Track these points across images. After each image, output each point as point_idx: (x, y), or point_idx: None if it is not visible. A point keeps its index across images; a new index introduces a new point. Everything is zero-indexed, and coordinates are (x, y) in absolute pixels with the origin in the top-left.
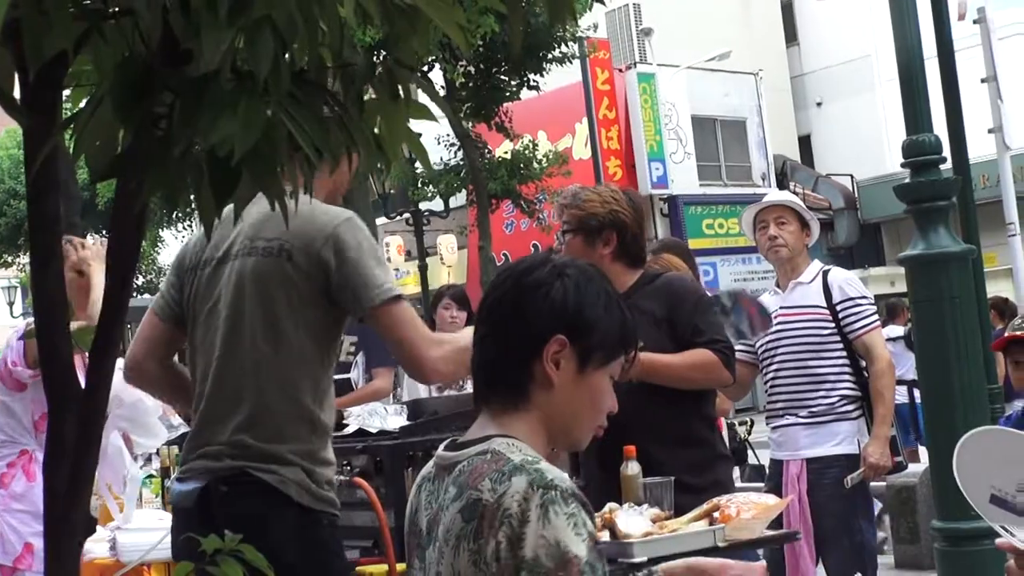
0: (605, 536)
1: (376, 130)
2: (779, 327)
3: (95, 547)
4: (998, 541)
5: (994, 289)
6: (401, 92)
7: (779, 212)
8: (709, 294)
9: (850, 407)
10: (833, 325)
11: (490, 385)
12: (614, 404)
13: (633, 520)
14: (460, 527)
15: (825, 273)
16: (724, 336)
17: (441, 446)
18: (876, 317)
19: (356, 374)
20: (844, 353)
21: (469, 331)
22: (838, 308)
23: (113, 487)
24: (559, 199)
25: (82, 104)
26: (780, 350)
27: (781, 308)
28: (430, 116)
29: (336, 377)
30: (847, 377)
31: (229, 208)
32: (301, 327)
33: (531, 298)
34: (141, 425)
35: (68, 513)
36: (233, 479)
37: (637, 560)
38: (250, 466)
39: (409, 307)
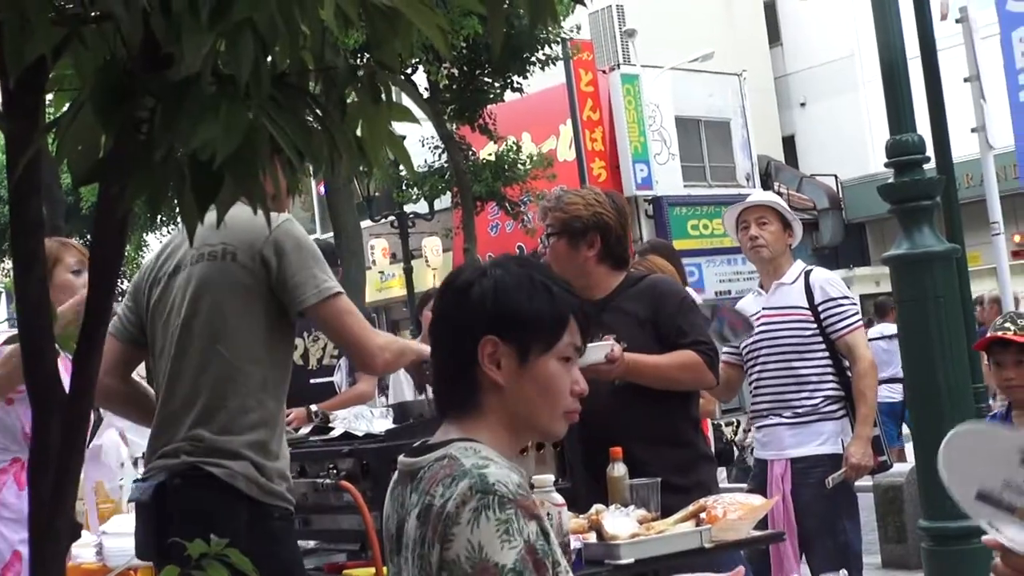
0: (592, 538)
1: (358, 133)
2: (762, 328)
3: (82, 552)
4: (984, 538)
5: (978, 288)
6: (383, 95)
7: (761, 212)
8: (694, 295)
9: (834, 407)
10: (815, 326)
11: (444, 395)
12: (580, 385)
13: (620, 521)
14: (417, 534)
15: (807, 274)
16: (708, 338)
17: (404, 453)
18: (858, 317)
19: (339, 377)
20: (827, 353)
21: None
22: (820, 309)
23: (106, 484)
24: (543, 202)
25: (65, 108)
26: (763, 351)
27: (764, 309)
28: (412, 119)
29: (320, 380)
30: (830, 377)
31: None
32: (248, 323)
33: (457, 305)
34: (139, 427)
35: (53, 518)
36: (186, 474)
37: (624, 562)
38: (201, 461)
39: (348, 302)
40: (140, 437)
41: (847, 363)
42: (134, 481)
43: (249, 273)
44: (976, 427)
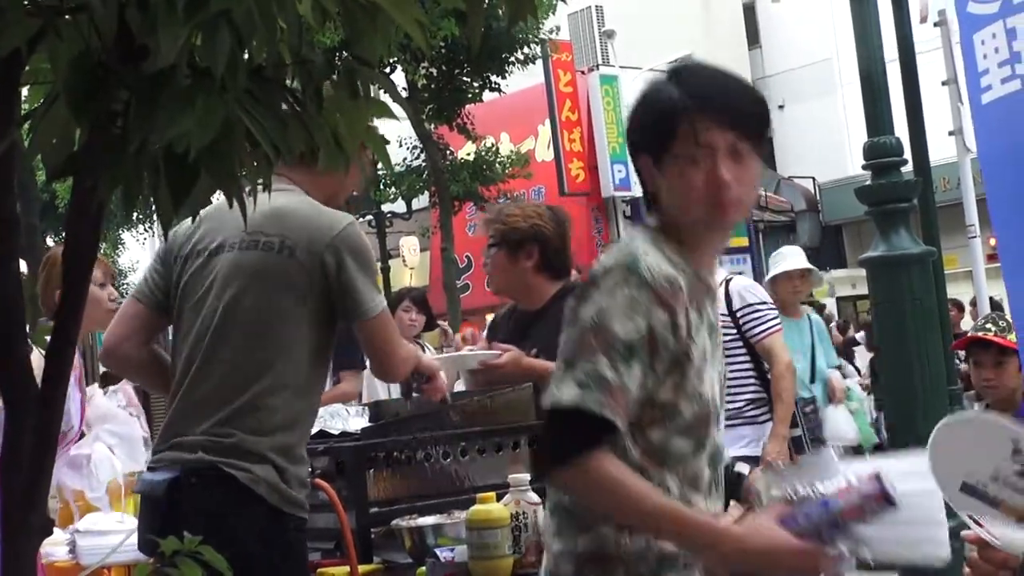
0: None
1: (336, 128)
2: None
3: (55, 550)
4: (964, 533)
5: (954, 291)
6: (361, 90)
7: None
8: None
9: (756, 411)
10: (735, 331)
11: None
12: (726, 180)
13: None
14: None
15: (727, 282)
16: None
17: None
18: (776, 322)
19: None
20: (748, 358)
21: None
22: (738, 314)
23: (88, 494)
24: (486, 215)
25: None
26: None
27: None
28: (390, 114)
29: None
30: (752, 382)
31: (222, 200)
32: (297, 325)
33: None
34: (128, 446)
35: (25, 515)
36: (203, 472)
37: None
38: (221, 461)
39: (390, 315)
40: (127, 455)
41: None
42: (147, 470)
43: (306, 272)
44: (973, 415)
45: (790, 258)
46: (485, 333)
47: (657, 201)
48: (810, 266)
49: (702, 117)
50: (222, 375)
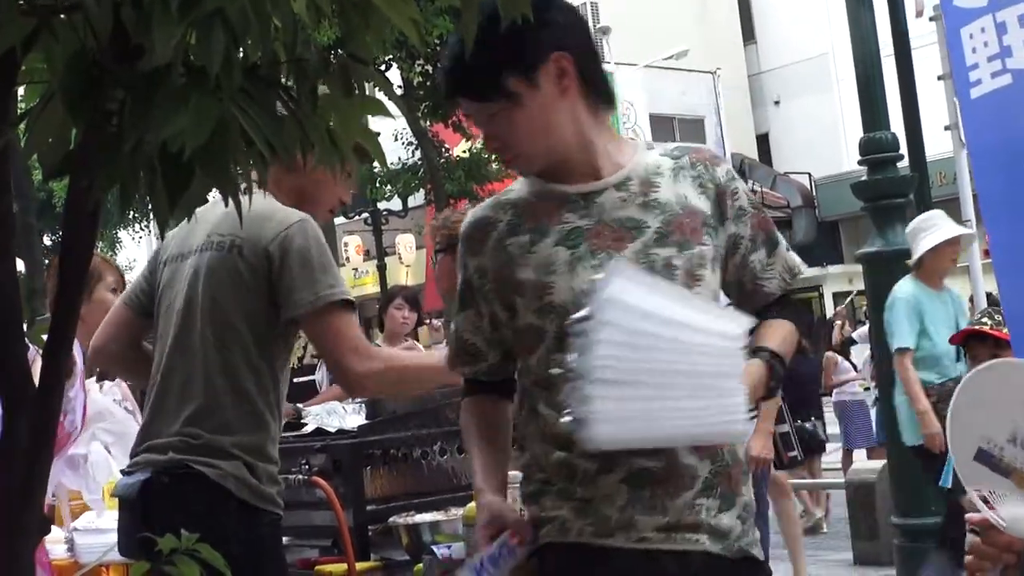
0: None
1: (330, 125)
2: None
3: (53, 548)
4: (969, 516)
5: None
6: (356, 88)
7: None
8: None
9: None
10: None
11: None
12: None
13: None
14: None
15: None
16: None
17: None
18: None
19: (320, 375)
20: None
21: (432, 354)
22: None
23: (86, 495)
24: (433, 222)
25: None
26: None
27: None
28: (385, 112)
29: (301, 380)
30: None
31: (211, 205)
32: (248, 322)
33: None
34: (124, 444)
35: (22, 513)
36: (173, 472)
37: None
38: (191, 459)
39: (348, 316)
40: (123, 452)
41: None
42: (122, 472)
43: (252, 270)
44: (1001, 363)
45: (944, 223)
46: None
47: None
48: (969, 230)
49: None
50: (185, 377)
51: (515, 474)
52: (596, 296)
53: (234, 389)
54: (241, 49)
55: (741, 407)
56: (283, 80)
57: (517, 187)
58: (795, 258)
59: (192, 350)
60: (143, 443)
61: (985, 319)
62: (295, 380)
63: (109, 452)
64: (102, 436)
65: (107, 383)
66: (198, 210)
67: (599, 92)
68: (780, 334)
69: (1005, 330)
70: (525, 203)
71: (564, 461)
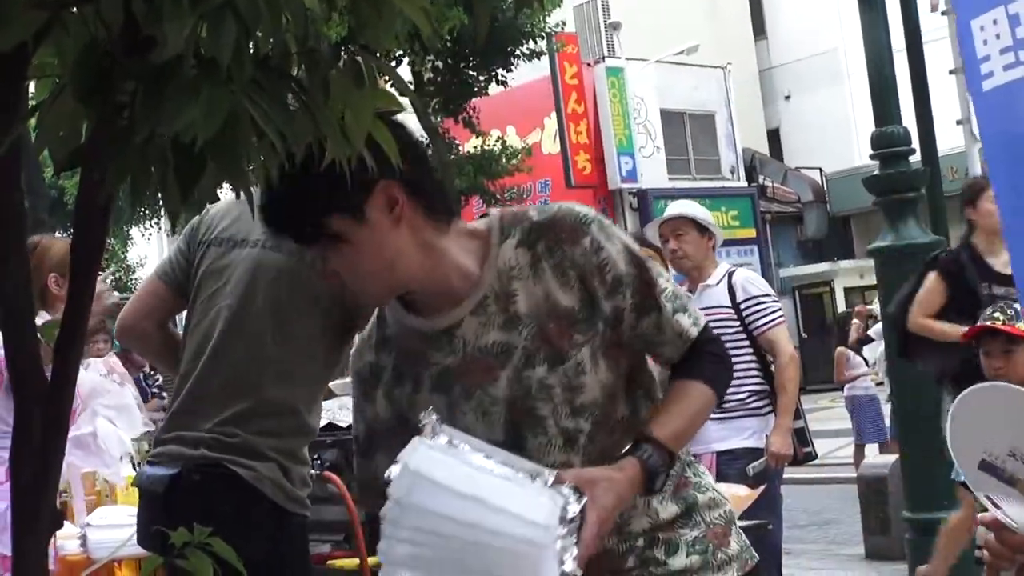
0: None
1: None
2: None
3: (66, 543)
4: (981, 515)
5: None
6: (367, 80)
7: (676, 225)
8: None
9: (760, 403)
10: (738, 323)
11: None
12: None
13: None
14: None
15: (730, 274)
16: None
17: None
18: (780, 314)
19: None
20: (751, 350)
21: None
22: (742, 307)
23: (103, 472)
24: None
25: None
26: None
27: None
28: (396, 104)
29: None
30: (755, 373)
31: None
32: (312, 331)
33: None
34: (126, 415)
35: (35, 508)
36: (205, 470)
37: None
38: (226, 459)
39: None
40: (127, 424)
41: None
42: (147, 464)
43: (325, 283)
44: (993, 385)
45: None
46: None
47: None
48: None
49: None
50: (231, 373)
51: None
52: (398, 474)
53: (286, 398)
54: (252, 41)
55: None
56: (295, 72)
57: (389, 320)
58: (683, 322)
59: (245, 349)
60: (171, 432)
61: (997, 314)
62: None
63: (116, 426)
64: (104, 412)
65: (90, 360)
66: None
67: (439, 206)
68: (679, 410)
69: (1020, 325)
70: (400, 343)
71: None
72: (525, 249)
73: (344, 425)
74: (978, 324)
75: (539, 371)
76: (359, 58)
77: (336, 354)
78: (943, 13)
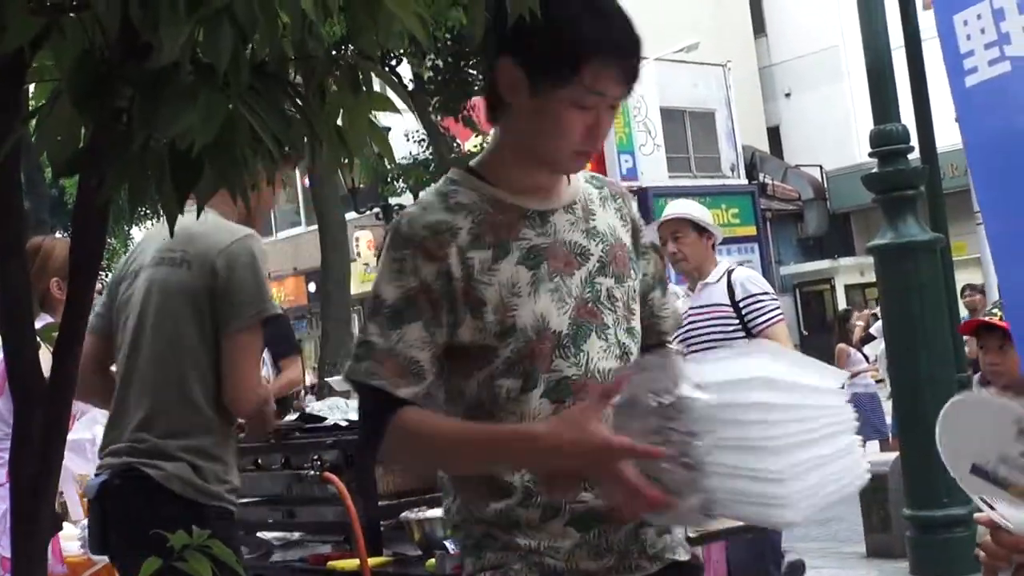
0: None
1: (339, 122)
2: (688, 326)
3: (67, 544)
4: (977, 515)
5: (963, 278)
6: (363, 84)
7: (674, 226)
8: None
9: None
10: (737, 321)
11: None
12: (598, 128)
13: None
14: None
15: (730, 272)
16: None
17: None
18: (778, 312)
19: (265, 370)
20: None
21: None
22: (741, 304)
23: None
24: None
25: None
26: (689, 347)
27: (691, 309)
28: (393, 107)
29: None
30: None
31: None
32: (195, 331)
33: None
34: None
35: (35, 509)
36: (124, 474)
37: None
38: (138, 462)
39: (253, 343)
40: None
41: None
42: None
43: (200, 283)
44: (975, 396)
45: None
46: None
47: (502, 114)
48: None
49: (607, 62)
50: (138, 385)
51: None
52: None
53: (182, 397)
54: (249, 46)
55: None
56: (291, 77)
57: (461, 190)
58: (678, 305)
59: (143, 359)
60: (105, 447)
61: (995, 309)
62: None
63: None
64: (103, 419)
65: None
66: (151, 228)
67: None
68: None
69: None
70: (481, 211)
71: (504, 511)
72: (593, 187)
73: (345, 424)
74: (974, 319)
75: (608, 281)
76: (355, 64)
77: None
78: None
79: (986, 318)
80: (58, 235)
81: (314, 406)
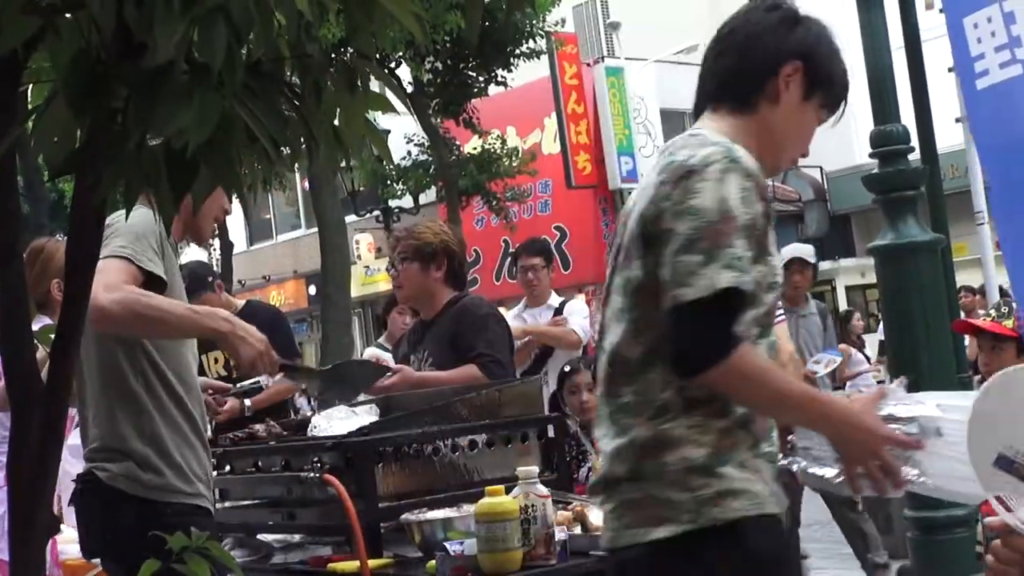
0: (577, 529)
1: (336, 123)
2: None
3: (67, 547)
4: (987, 520)
5: (964, 279)
6: (360, 84)
7: None
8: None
9: None
10: None
11: (722, 88)
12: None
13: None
14: (651, 180)
15: None
16: (493, 351)
17: None
18: (779, 313)
19: (265, 378)
20: None
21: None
22: None
23: None
24: (395, 232)
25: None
26: None
27: None
28: (390, 107)
29: (247, 383)
30: None
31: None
32: (93, 336)
33: (783, 20)
34: None
35: (32, 513)
36: (84, 479)
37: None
38: (93, 466)
39: (119, 264)
40: None
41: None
42: None
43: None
44: (1018, 369)
45: None
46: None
47: (755, 107)
48: None
49: (843, 81)
50: (88, 391)
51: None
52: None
53: (121, 394)
54: (244, 45)
55: None
56: (287, 77)
57: (743, 151)
58: None
59: (88, 366)
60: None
61: (991, 311)
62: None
63: None
64: None
65: None
66: None
67: None
68: None
69: (1006, 323)
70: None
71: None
72: None
73: (341, 432)
74: (960, 320)
75: None
76: (352, 64)
77: (130, 347)
78: (941, 11)
79: (976, 321)
80: (58, 238)
81: (315, 420)
